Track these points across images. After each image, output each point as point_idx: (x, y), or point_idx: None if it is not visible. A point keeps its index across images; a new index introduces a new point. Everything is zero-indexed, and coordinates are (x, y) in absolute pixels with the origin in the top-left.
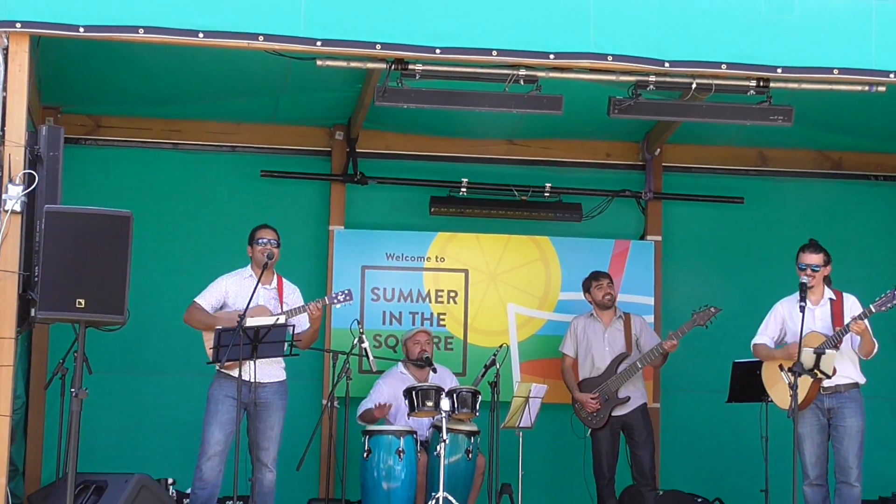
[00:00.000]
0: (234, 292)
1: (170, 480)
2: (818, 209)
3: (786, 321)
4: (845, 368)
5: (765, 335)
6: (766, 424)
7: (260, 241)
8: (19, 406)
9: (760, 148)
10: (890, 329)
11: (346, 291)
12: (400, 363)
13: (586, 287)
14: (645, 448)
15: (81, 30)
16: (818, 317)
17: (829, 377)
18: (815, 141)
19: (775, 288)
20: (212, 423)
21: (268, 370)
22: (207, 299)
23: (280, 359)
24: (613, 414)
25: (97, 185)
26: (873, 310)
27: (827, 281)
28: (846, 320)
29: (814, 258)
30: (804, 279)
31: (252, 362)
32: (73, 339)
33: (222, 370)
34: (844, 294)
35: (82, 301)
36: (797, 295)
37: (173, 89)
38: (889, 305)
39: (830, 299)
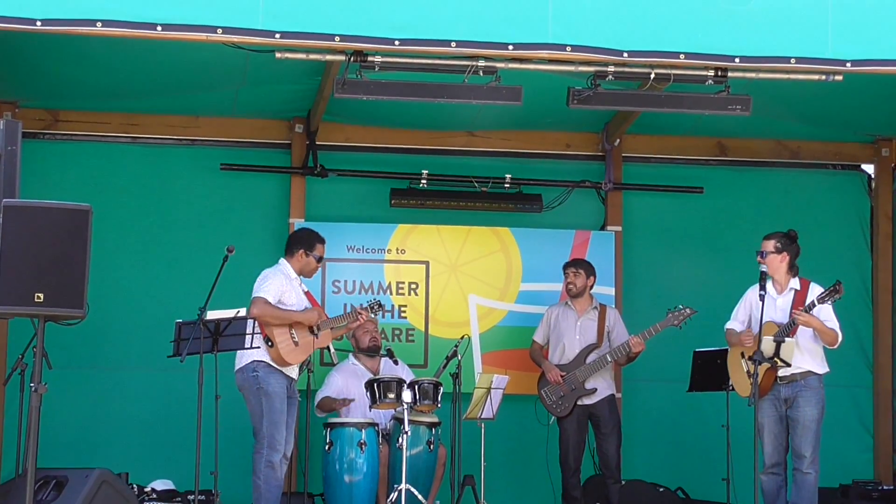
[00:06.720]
0: (285, 291)
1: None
2: (777, 198)
3: (752, 308)
4: (799, 359)
5: (735, 320)
6: (728, 413)
7: (318, 257)
8: None
9: (719, 138)
10: (847, 319)
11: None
12: (350, 354)
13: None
14: (611, 440)
15: (38, 23)
16: (779, 306)
17: (788, 365)
18: (774, 130)
19: (735, 277)
20: (279, 422)
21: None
22: (273, 294)
23: None
24: (579, 403)
25: (56, 180)
26: (816, 303)
27: (794, 270)
28: None
29: (765, 244)
30: (761, 266)
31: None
32: (32, 334)
33: (273, 364)
34: (812, 284)
35: (41, 295)
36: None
37: (132, 83)
38: (834, 298)
39: (794, 289)
